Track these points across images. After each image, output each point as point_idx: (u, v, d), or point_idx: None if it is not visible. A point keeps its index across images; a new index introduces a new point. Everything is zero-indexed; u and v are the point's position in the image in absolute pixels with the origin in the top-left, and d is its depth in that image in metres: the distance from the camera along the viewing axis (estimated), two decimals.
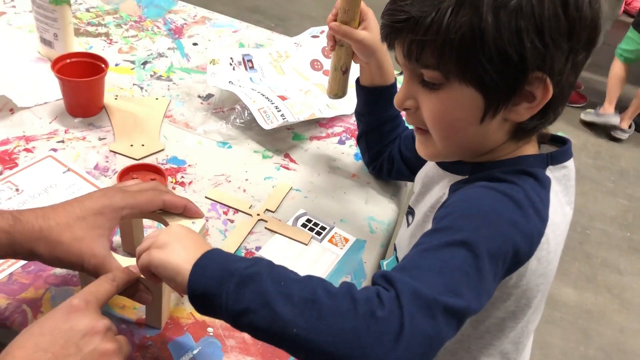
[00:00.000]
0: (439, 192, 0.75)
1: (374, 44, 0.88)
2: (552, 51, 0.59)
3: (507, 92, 0.61)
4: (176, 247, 0.60)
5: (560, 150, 0.69)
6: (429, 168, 0.80)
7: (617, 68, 3.14)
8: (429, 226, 0.67)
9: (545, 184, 0.66)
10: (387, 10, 0.64)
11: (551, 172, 0.68)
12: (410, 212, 0.83)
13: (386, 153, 0.98)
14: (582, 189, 2.81)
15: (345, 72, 0.92)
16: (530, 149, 0.69)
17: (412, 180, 0.89)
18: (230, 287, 0.55)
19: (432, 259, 0.58)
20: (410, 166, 0.95)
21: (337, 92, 0.94)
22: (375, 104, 0.96)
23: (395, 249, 0.87)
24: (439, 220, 0.63)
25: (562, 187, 0.70)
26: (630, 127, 3.19)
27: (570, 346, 2.02)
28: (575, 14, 0.58)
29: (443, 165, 0.75)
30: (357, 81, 0.96)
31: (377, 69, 0.92)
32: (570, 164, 0.70)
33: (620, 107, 3.18)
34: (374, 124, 0.97)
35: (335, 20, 0.87)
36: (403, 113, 0.78)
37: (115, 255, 0.68)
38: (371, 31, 0.87)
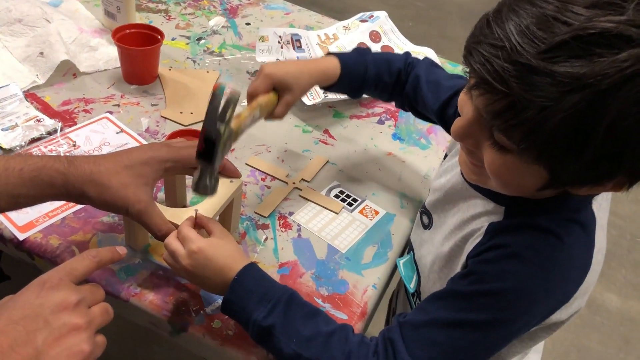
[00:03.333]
0: (468, 212, 0.72)
1: (300, 95, 0.86)
2: None
3: (579, 182, 0.56)
4: (199, 278, 0.70)
5: None
6: (455, 180, 0.77)
7: None
8: (457, 252, 0.72)
9: (591, 229, 0.64)
10: (482, 51, 0.52)
11: (595, 200, 0.65)
12: (426, 212, 0.83)
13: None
14: (636, 196, 2.72)
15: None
16: None
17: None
18: (252, 335, 0.68)
19: (444, 335, 0.64)
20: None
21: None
22: (360, 87, 0.92)
23: (412, 247, 0.87)
24: (471, 280, 0.65)
25: (603, 211, 0.68)
26: None
27: (609, 352, 1.98)
28: None
29: (476, 186, 0.71)
30: (325, 88, 0.92)
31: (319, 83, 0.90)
32: None
33: None
34: (388, 86, 0.93)
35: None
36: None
37: (158, 205, 0.74)
38: (292, 94, 0.84)
